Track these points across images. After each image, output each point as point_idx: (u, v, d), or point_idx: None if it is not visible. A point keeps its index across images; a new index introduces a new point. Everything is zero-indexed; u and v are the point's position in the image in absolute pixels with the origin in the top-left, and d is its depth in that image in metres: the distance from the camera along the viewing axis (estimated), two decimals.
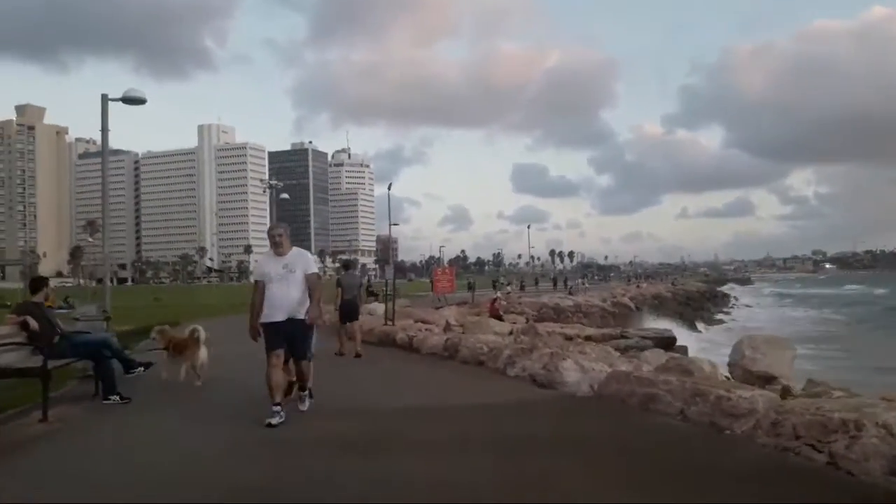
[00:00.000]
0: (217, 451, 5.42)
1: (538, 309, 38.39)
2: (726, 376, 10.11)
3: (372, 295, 38.59)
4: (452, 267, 33.44)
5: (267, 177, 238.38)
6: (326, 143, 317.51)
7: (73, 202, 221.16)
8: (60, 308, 36.85)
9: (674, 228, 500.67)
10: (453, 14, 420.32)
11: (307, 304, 6.29)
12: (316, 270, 6.47)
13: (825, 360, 24.23)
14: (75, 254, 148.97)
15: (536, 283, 64.00)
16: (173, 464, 5.14)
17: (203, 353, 8.69)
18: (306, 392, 6.77)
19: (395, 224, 49.04)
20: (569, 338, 23.16)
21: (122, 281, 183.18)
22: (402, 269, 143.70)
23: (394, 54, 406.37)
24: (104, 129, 13.15)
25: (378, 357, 11.74)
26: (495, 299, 28.79)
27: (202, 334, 8.70)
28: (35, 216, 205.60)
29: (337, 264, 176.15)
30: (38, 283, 8.14)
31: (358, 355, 11.35)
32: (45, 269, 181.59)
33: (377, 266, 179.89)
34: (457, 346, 10.75)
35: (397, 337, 13.20)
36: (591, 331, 23.51)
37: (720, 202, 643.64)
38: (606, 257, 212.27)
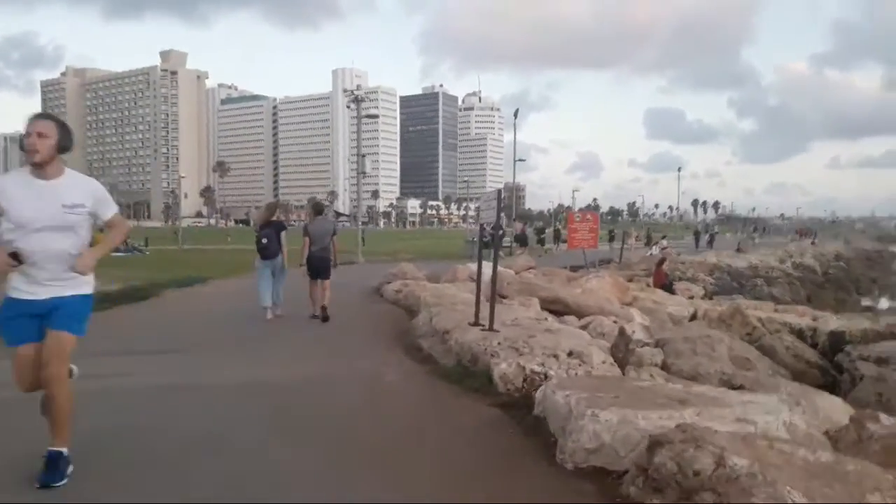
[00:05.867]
0: None
1: (709, 272, 29.11)
2: None
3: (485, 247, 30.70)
4: (595, 213, 24.67)
5: (398, 120, 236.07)
6: (452, 89, 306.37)
7: (216, 146, 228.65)
8: (118, 251, 31.78)
9: (824, 179, 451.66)
10: None
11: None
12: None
13: None
14: (205, 194, 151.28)
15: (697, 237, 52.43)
16: None
17: None
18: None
19: (521, 159, 40.70)
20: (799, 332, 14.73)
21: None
22: (528, 218, 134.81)
23: None
24: None
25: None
26: (662, 261, 19.94)
27: None
28: (178, 158, 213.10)
29: (462, 211, 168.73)
30: None
31: (324, 313, 9.67)
32: (186, 209, 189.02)
33: (503, 214, 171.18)
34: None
35: (498, 373, 5.13)
36: (837, 321, 14.22)
37: (878, 150, 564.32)
38: (754, 209, 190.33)
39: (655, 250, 33.01)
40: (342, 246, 11.09)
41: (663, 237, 43.12)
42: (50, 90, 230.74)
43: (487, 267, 7.76)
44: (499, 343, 5.53)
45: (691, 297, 18.72)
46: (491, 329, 6.15)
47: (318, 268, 9.79)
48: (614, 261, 28.33)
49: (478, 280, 7.05)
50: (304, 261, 9.84)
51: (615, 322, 7.75)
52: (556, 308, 10.73)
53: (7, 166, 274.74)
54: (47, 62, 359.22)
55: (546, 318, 7.20)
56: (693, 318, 15.30)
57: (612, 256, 29.22)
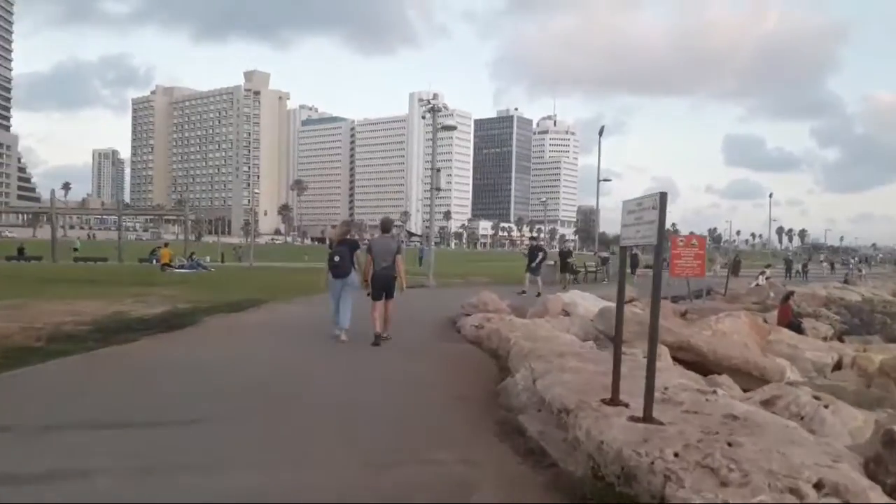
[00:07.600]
0: None
1: (823, 305, 25.70)
2: None
3: (572, 272, 27.92)
4: (702, 237, 21.80)
5: (472, 143, 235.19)
6: (525, 113, 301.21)
7: (295, 165, 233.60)
8: (182, 267, 30.88)
9: None
10: None
11: None
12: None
13: None
14: (283, 212, 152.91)
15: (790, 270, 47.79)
16: None
17: None
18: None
19: (606, 179, 37.96)
20: None
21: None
22: (604, 242, 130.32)
23: (594, 20, 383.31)
24: None
25: None
26: (789, 295, 16.99)
27: None
28: (258, 177, 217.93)
29: (532, 232, 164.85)
30: None
31: (377, 338, 9.09)
32: (265, 226, 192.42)
33: (576, 237, 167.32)
34: None
35: None
36: None
37: None
38: (842, 238, 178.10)
39: (761, 280, 29.68)
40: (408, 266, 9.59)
41: (768, 266, 39.31)
42: (140, 108, 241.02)
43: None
44: (676, 454, 3.17)
45: (824, 339, 15.75)
46: (648, 419, 3.78)
47: (382, 286, 9.31)
48: (715, 291, 25.32)
49: (617, 329, 4.59)
50: (367, 279, 9.39)
51: (817, 399, 5.19)
52: (686, 357, 8.27)
53: (100, 181, 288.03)
54: (139, 82, 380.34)
55: (714, 391, 4.73)
56: (838, 366, 12.49)
57: (711, 286, 26.08)
